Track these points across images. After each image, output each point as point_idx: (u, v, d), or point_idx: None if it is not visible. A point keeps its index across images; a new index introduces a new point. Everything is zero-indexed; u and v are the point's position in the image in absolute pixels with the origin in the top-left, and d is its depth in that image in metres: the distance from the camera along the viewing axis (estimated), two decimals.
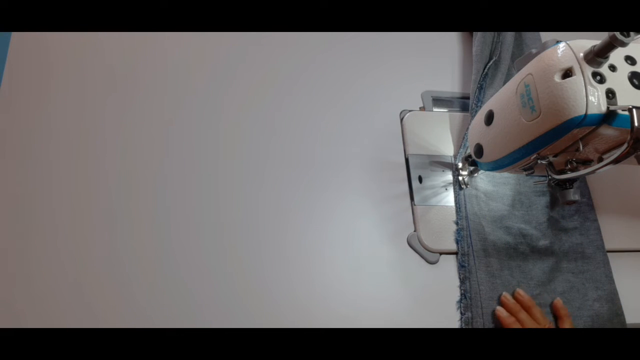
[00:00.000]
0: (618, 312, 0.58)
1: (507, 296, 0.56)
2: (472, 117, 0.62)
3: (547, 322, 0.55)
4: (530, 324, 0.54)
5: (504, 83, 0.66)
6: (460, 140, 0.64)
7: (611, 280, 0.60)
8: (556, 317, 0.57)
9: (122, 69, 0.63)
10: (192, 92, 0.64)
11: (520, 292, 0.57)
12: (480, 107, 0.61)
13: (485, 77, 0.65)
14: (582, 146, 0.45)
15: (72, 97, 0.61)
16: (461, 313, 0.56)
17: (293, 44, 0.69)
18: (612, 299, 0.59)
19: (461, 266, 0.58)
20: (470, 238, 0.59)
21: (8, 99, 0.59)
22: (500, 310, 0.55)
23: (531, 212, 0.63)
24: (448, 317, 0.56)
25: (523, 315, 0.55)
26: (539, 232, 0.61)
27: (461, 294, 0.57)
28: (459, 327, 0.55)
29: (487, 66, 0.66)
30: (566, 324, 0.56)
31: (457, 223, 0.60)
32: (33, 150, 0.57)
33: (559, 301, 0.57)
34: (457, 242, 0.59)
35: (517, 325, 0.54)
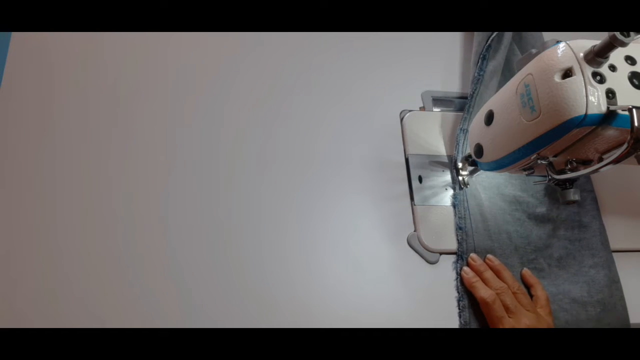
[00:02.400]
0: (615, 279, 0.59)
1: (474, 257, 0.57)
2: (475, 86, 0.63)
3: (516, 285, 0.55)
4: (495, 283, 0.55)
5: (506, 56, 0.66)
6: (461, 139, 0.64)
7: (607, 248, 0.61)
8: (527, 285, 0.58)
9: (122, 69, 0.63)
10: (192, 92, 0.64)
11: (491, 257, 0.58)
12: (483, 75, 0.62)
13: (489, 48, 0.65)
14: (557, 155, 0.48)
15: (73, 97, 0.61)
16: (457, 273, 0.57)
17: (293, 44, 0.69)
18: (609, 266, 0.60)
19: (459, 228, 0.59)
20: (468, 202, 0.60)
21: (8, 99, 0.59)
22: (466, 271, 0.56)
23: (528, 181, 0.63)
24: (448, 317, 0.56)
25: (488, 274, 0.56)
26: (535, 200, 0.62)
27: (458, 256, 0.58)
28: (455, 287, 0.57)
29: (491, 38, 0.65)
30: (538, 290, 0.56)
31: (453, 188, 0.61)
32: (33, 150, 0.57)
33: (526, 271, 0.58)
34: (454, 206, 0.60)
35: (480, 285, 0.55)
